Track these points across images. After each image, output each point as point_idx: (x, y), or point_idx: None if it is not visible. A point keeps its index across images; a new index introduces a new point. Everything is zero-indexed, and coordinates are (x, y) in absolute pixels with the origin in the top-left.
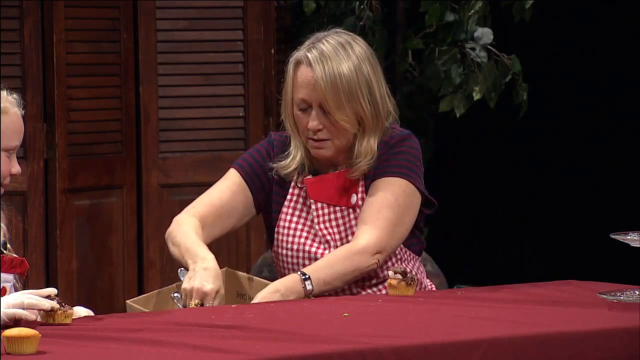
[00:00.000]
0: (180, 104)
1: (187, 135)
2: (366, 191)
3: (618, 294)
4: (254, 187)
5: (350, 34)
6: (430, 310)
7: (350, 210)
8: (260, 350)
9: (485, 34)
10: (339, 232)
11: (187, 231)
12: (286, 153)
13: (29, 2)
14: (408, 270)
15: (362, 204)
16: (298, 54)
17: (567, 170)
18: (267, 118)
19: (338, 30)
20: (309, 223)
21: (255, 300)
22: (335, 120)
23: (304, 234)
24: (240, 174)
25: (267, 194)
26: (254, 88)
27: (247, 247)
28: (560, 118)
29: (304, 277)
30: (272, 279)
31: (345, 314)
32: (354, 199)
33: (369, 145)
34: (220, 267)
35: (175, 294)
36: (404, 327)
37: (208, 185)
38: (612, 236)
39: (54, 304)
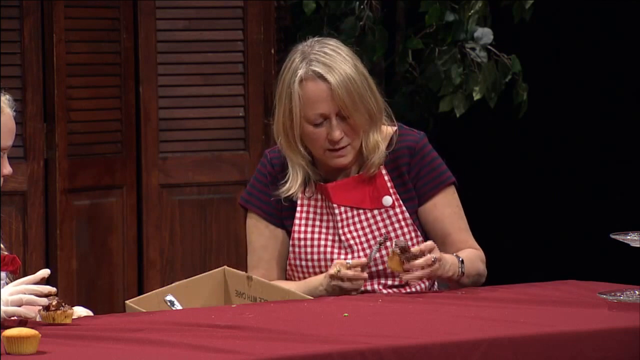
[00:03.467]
0: (180, 104)
1: (187, 135)
2: (397, 191)
3: (618, 294)
4: (272, 219)
5: (329, 38)
6: (430, 310)
7: (376, 212)
8: (260, 350)
9: (485, 34)
10: (363, 235)
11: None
12: (284, 180)
13: (29, 2)
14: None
15: (427, 216)
16: (298, 72)
17: (567, 170)
18: (267, 118)
19: (316, 39)
20: (331, 232)
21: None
22: (355, 123)
23: (323, 242)
24: (258, 215)
25: (282, 215)
26: (254, 88)
27: (247, 248)
28: (560, 118)
29: (459, 259)
30: None
31: (345, 314)
32: (388, 201)
33: (374, 140)
34: (220, 267)
35: (168, 298)
36: (404, 327)
37: (208, 185)
38: (612, 236)
39: (51, 301)
